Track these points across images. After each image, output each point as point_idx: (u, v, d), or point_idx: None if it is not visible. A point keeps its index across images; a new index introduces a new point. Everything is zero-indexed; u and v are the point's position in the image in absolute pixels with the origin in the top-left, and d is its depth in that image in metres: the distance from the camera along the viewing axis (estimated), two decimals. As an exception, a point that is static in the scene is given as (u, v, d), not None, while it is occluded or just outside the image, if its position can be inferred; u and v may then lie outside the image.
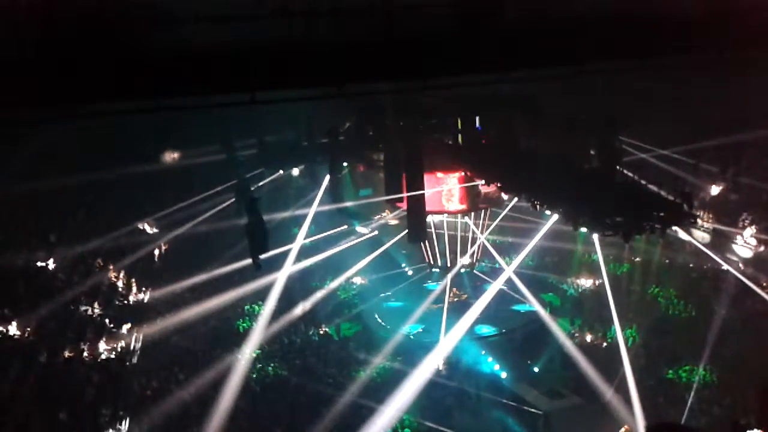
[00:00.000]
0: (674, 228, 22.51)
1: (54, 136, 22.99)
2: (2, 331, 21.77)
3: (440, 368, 27.21)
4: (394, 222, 34.45)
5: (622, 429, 21.49)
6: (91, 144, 25.02)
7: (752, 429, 10.54)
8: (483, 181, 27.92)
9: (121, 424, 21.66)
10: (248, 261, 23.33)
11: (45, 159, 24.96)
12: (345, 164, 29.64)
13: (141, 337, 24.84)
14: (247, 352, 26.30)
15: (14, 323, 21.99)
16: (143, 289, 27.63)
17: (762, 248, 26.90)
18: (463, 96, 25.44)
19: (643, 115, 27.40)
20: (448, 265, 33.69)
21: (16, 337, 21.95)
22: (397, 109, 26.34)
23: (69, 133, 22.73)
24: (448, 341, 27.91)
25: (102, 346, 23.75)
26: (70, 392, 21.58)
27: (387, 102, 25.81)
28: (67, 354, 22.61)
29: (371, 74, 10.54)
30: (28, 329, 22.14)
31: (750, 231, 27.30)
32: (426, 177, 26.50)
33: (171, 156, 30.81)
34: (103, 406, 21.83)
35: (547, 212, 26.28)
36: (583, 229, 22.63)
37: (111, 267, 27.00)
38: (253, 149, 29.31)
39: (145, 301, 27.34)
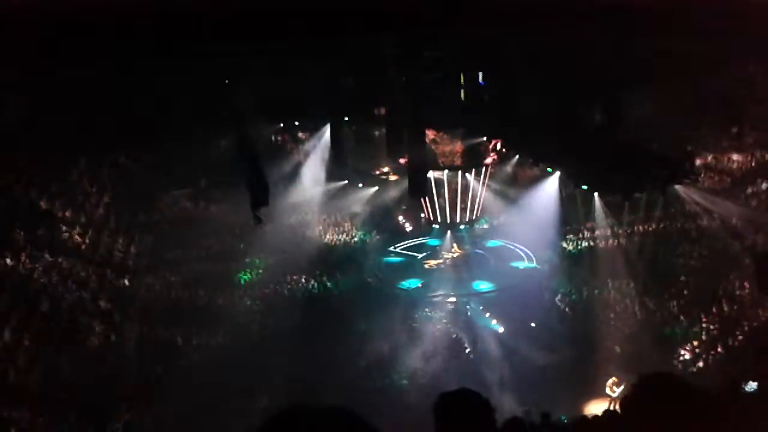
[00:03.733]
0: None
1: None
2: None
3: None
4: (394, 177, 34.30)
5: (611, 380, 21.71)
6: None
7: (748, 382, 10.61)
8: (485, 138, 27.74)
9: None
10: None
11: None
12: (346, 118, 29.38)
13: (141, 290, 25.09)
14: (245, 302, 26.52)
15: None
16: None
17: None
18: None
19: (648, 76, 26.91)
20: (448, 221, 33.71)
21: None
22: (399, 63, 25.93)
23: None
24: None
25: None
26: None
27: (389, 55, 25.38)
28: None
29: (371, 24, 10.38)
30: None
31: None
32: (427, 132, 26.23)
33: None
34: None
35: (549, 170, 26.23)
36: (584, 187, 22.58)
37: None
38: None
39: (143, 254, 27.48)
